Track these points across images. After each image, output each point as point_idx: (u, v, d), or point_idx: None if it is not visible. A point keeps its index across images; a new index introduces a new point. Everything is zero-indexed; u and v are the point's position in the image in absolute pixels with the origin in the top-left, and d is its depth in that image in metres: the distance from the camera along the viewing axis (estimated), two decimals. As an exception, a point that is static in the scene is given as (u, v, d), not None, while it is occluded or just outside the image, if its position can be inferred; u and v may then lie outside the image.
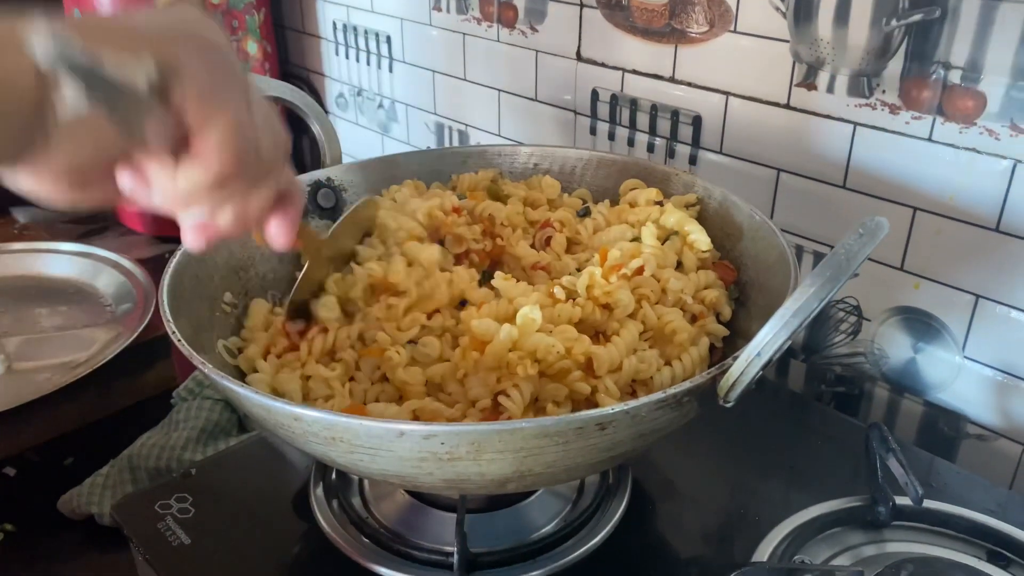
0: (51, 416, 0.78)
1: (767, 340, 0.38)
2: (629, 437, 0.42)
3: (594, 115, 0.85)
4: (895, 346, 0.70)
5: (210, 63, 0.33)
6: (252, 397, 0.43)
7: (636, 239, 0.59)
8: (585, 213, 0.65)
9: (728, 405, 0.41)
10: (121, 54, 0.30)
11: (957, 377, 0.67)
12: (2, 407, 0.74)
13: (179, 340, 0.47)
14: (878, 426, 0.57)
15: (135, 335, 0.82)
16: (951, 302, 0.65)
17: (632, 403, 0.39)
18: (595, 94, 0.84)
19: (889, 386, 0.71)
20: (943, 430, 0.69)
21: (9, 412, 0.74)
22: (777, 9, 0.67)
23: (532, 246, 0.62)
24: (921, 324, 0.68)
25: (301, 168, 1.28)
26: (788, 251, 0.53)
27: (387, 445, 0.41)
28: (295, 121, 1.15)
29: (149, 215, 1.10)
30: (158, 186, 0.34)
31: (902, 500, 0.55)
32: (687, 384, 0.40)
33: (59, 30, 0.28)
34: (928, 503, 0.55)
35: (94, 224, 1.19)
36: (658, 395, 0.40)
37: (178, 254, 0.55)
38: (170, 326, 0.48)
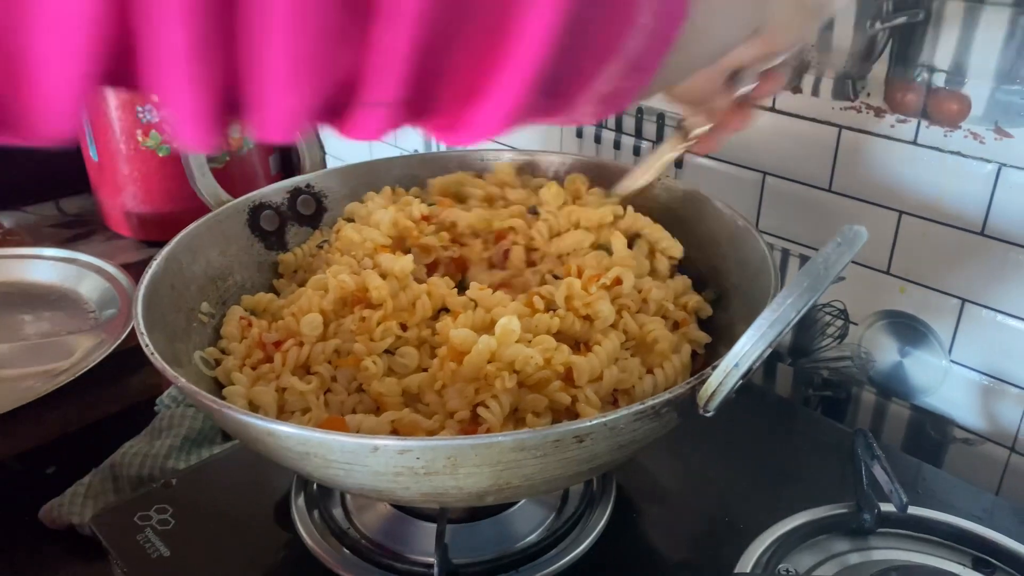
0: (34, 424, 0.77)
1: (745, 351, 0.38)
2: (608, 449, 0.41)
3: (580, 118, 0.84)
4: (882, 350, 0.69)
5: None
6: (226, 412, 0.42)
7: (600, 247, 0.58)
8: (534, 212, 0.63)
9: (708, 415, 0.41)
10: None
11: (944, 381, 0.66)
12: (-17, 415, 0.73)
13: (152, 353, 0.46)
14: (863, 432, 0.56)
15: (118, 341, 0.81)
16: (937, 306, 0.65)
17: (610, 415, 0.39)
18: (580, 97, 0.83)
19: (876, 390, 0.71)
20: (930, 434, 0.68)
21: (-9, 420, 0.73)
22: (761, 11, 0.67)
23: (491, 263, 0.61)
24: (908, 328, 0.67)
25: (288, 173, 1.27)
26: (769, 256, 0.52)
27: (362, 460, 0.40)
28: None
29: (135, 219, 1.09)
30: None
31: (887, 507, 0.55)
32: (666, 395, 0.40)
33: None
34: (914, 510, 0.55)
35: (80, 228, 1.18)
36: (636, 407, 0.39)
37: (154, 264, 0.55)
38: (143, 339, 0.47)
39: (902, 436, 0.70)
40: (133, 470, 0.73)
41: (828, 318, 0.72)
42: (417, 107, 0.28)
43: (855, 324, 0.70)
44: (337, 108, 0.27)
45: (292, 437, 0.40)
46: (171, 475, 0.66)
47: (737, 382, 0.39)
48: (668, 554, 0.56)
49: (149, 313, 0.51)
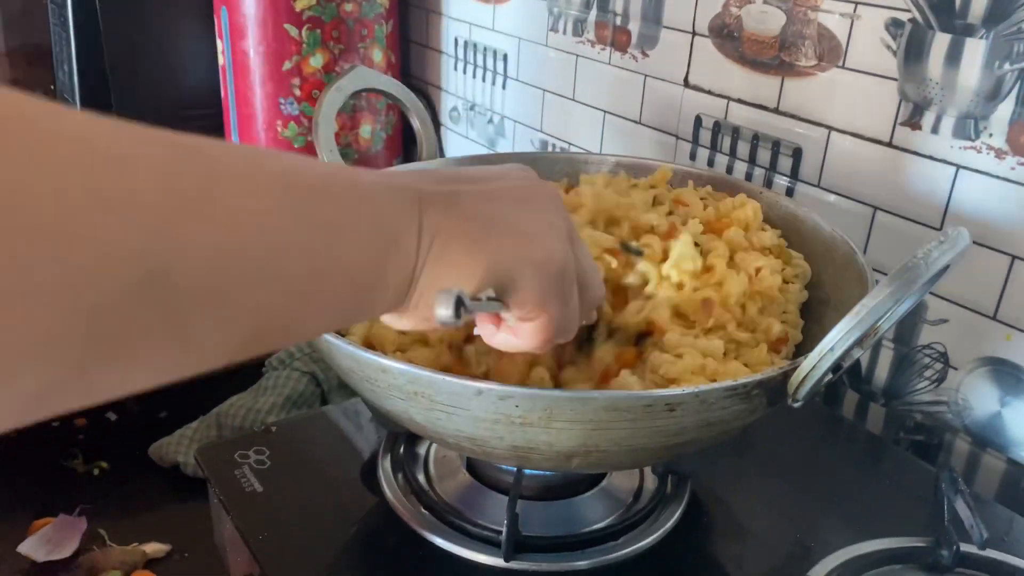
0: (152, 371, 0.84)
1: (840, 336, 0.39)
2: (696, 424, 0.43)
3: (695, 141, 0.86)
4: (981, 398, 0.68)
5: (543, 277, 0.37)
6: (343, 348, 0.46)
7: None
8: (636, 252, 0.54)
9: (796, 404, 0.42)
10: (477, 286, 0.35)
11: (1044, 436, 0.65)
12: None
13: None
14: (949, 468, 0.56)
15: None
16: (1044, 357, 0.63)
17: (703, 387, 0.41)
18: (698, 120, 0.85)
19: (971, 439, 0.69)
20: (1024, 490, 0.66)
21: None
22: (888, 47, 0.68)
23: None
24: (1010, 377, 0.66)
25: (407, 158, 1.33)
26: (867, 270, 0.53)
27: (464, 403, 0.43)
28: (402, 116, 1.20)
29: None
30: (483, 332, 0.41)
31: (967, 547, 0.54)
32: (757, 376, 0.41)
33: (461, 292, 0.33)
34: (995, 553, 0.54)
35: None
36: (728, 383, 0.41)
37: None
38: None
39: (995, 489, 0.68)
40: (236, 420, 0.78)
41: (927, 360, 0.71)
42: None
43: (955, 369, 0.69)
44: None
45: (404, 375, 0.43)
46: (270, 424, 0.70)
47: (827, 372, 0.40)
48: (732, 560, 0.57)
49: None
